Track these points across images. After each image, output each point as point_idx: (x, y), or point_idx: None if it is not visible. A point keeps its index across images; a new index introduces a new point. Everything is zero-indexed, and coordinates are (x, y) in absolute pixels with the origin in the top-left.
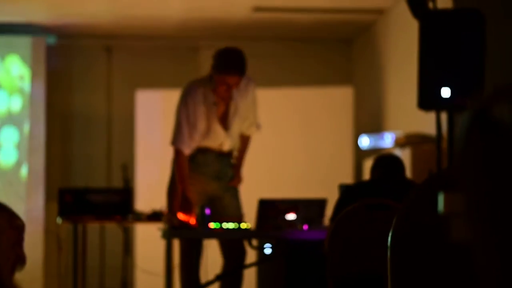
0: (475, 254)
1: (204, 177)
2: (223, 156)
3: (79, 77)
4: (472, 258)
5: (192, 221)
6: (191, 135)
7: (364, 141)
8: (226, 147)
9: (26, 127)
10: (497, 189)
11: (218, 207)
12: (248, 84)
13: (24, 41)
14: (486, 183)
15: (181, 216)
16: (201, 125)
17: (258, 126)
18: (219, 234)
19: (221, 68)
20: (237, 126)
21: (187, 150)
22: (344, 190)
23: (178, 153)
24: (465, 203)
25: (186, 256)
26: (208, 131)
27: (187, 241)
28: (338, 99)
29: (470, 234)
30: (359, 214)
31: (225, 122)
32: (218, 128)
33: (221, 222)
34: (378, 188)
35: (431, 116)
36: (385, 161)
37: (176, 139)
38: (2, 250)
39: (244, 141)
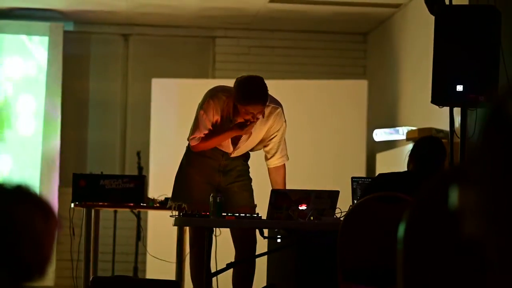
0: (487, 251)
1: (209, 169)
2: (230, 155)
3: (96, 64)
4: (483, 254)
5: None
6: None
7: (378, 135)
8: (233, 155)
9: (42, 112)
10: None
11: (225, 198)
12: (271, 112)
13: (42, 27)
14: (501, 180)
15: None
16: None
17: (287, 158)
18: (231, 222)
19: (244, 98)
20: (246, 148)
21: None
22: (377, 178)
23: (198, 142)
24: (478, 199)
25: (196, 244)
26: None
27: (196, 229)
28: (353, 92)
29: (482, 230)
30: (371, 207)
31: (235, 140)
32: (227, 142)
33: (229, 213)
34: (409, 181)
35: (444, 111)
36: (422, 153)
37: (194, 138)
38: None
39: (279, 173)
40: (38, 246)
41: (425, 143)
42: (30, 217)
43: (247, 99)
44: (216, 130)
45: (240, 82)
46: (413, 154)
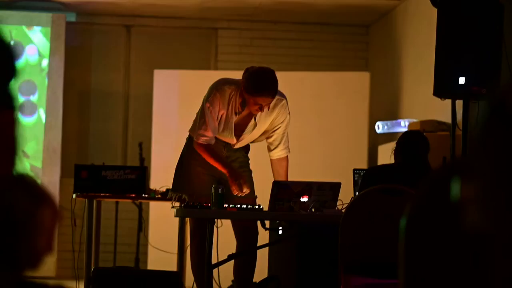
0: (490, 243)
1: None
2: (232, 146)
3: (98, 55)
4: (485, 246)
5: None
6: (214, 131)
7: (380, 127)
8: (236, 146)
9: (44, 103)
10: None
11: (226, 189)
12: (276, 104)
13: (45, 18)
14: (503, 172)
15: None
16: (218, 123)
17: (288, 150)
18: (233, 214)
19: (254, 89)
20: (250, 139)
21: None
22: (368, 172)
23: (204, 146)
24: (480, 191)
25: (196, 235)
26: (222, 131)
27: (197, 220)
28: (355, 85)
29: (484, 222)
30: (373, 199)
31: (239, 132)
32: (230, 134)
33: (230, 204)
34: (399, 173)
35: (446, 104)
36: (408, 145)
37: (202, 135)
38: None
39: (281, 164)
40: (27, 236)
41: (410, 137)
42: (18, 205)
43: (258, 90)
44: (220, 156)
45: (252, 72)
46: (398, 148)
